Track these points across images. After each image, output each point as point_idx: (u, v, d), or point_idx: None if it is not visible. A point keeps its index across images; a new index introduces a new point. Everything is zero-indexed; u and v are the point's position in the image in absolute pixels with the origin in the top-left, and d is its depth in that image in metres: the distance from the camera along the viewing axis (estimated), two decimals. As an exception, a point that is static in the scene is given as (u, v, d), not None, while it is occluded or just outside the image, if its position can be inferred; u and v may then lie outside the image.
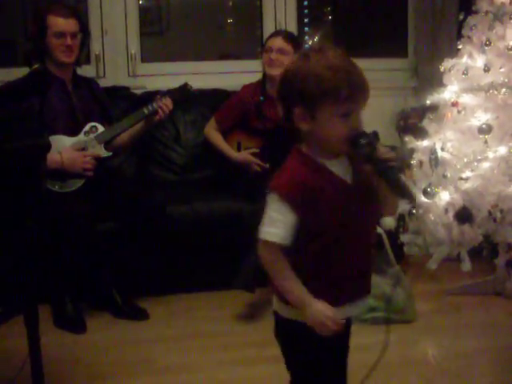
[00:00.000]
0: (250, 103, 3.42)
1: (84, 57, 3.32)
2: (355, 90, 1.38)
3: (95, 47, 3.86)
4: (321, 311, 1.40)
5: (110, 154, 3.10)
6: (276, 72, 3.26)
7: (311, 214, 1.41)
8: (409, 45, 4.36)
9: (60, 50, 3.00)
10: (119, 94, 3.68)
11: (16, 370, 2.21)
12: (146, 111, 3.09)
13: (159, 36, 4.45)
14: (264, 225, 1.44)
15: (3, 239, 2.76)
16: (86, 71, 3.48)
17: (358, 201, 1.44)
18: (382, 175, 1.41)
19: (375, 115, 4.00)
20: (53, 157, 2.89)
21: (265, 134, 3.38)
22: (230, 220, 3.19)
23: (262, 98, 3.39)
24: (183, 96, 3.19)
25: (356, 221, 1.44)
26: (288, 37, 3.35)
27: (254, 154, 3.38)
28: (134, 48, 3.94)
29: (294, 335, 1.53)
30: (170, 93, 3.15)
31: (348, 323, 1.56)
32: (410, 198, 1.46)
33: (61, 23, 2.98)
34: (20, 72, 3.10)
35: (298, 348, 1.54)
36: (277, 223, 1.42)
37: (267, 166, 3.32)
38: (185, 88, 3.20)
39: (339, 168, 1.46)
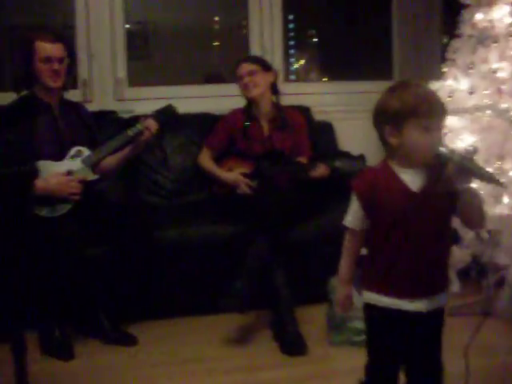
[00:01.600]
0: (237, 126, 3.47)
1: (71, 81, 3.32)
2: (432, 107, 1.67)
3: (82, 72, 3.88)
4: (342, 293, 1.92)
5: (97, 177, 3.09)
6: (254, 93, 3.43)
7: (374, 209, 1.74)
8: (394, 67, 4.41)
9: (47, 75, 3.00)
10: (106, 118, 3.69)
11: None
12: (130, 133, 3.08)
13: (146, 60, 4.46)
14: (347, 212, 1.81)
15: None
16: (74, 96, 3.48)
17: (418, 206, 1.71)
18: (467, 169, 1.60)
19: (363, 137, 4.04)
20: (39, 182, 2.88)
21: (254, 157, 3.41)
22: (218, 244, 3.18)
23: (247, 123, 3.46)
24: (167, 117, 3.19)
25: (415, 223, 1.71)
26: (251, 59, 3.56)
27: (244, 175, 3.40)
28: (121, 72, 3.96)
29: (368, 317, 1.85)
30: (154, 114, 3.15)
31: (434, 314, 1.80)
32: (497, 181, 1.69)
33: (48, 48, 2.99)
34: (7, 97, 3.10)
35: (370, 329, 1.86)
36: (350, 211, 1.80)
37: (255, 184, 3.34)
38: (168, 109, 3.20)
39: (410, 177, 1.73)
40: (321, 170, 3.24)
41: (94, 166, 3.08)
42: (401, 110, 1.66)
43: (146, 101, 3.90)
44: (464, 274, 3.35)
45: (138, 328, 3.07)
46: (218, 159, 3.53)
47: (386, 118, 1.70)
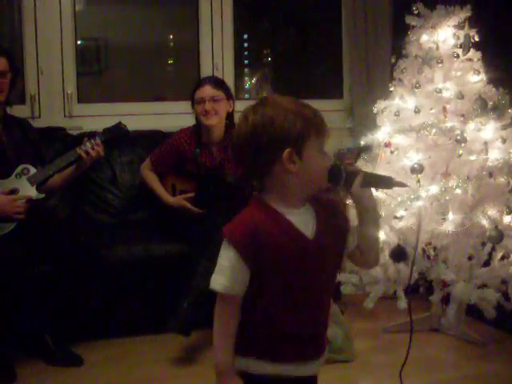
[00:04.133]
0: (186, 150, 3.40)
1: (16, 97, 3.26)
2: (324, 125, 1.45)
3: (30, 87, 3.81)
4: None
5: (43, 196, 3.03)
6: (213, 122, 3.31)
7: (261, 265, 1.40)
8: (344, 86, 4.47)
9: None
10: (55, 134, 3.63)
11: None
12: (77, 152, 3.04)
13: (97, 76, 4.42)
14: (214, 272, 1.43)
15: None
16: (21, 111, 3.43)
17: (315, 256, 1.44)
18: (369, 180, 1.46)
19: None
20: None
21: (199, 178, 3.38)
22: (166, 263, 3.16)
23: (197, 150, 3.38)
24: (117, 135, 3.15)
25: (310, 277, 1.44)
26: (217, 83, 3.37)
27: (188, 199, 3.36)
28: (71, 88, 3.91)
29: None
30: (103, 133, 3.11)
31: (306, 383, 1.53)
32: (401, 184, 1.53)
33: None
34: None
35: None
36: (224, 271, 1.41)
37: (201, 211, 3.29)
38: (118, 127, 3.16)
39: (300, 219, 1.45)
40: None
41: (39, 184, 3.03)
42: (305, 128, 1.39)
43: (96, 117, 3.86)
44: (412, 291, 3.38)
45: (83, 348, 3.01)
46: (161, 175, 3.48)
47: (286, 141, 1.38)
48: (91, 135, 3.11)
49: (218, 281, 1.42)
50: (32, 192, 2.99)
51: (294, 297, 1.43)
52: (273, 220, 1.42)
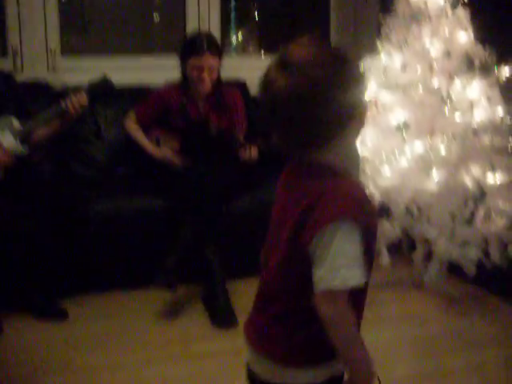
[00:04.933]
0: (172, 103, 3.38)
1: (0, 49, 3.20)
2: None
3: (12, 39, 3.73)
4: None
5: (26, 150, 3.00)
6: (208, 87, 3.29)
7: (372, 242, 1.22)
8: (331, 42, 4.42)
9: None
10: (38, 89, 3.58)
11: None
12: (62, 106, 3.00)
13: (82, 29, 4.34)
14: (335, 269, 1.14)
15: None
16: (3, 64, 3.36)
17: None
18: None
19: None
20: None
21: (184, 131, 3.37)
22: (151, 217, 3.17)
23: (184, 100, 3.36)
24: (102, 89, 3.11)
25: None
26: (215, 50, 3.28)
27: (173, 150, 3.35)
28: (54, 42, 3.83)
29: None
30: (87, 87, 3.06)
31: None
32: None
33: None
34: None
35: None
36: (356, 260, 1.15)
37: (187, 163, 3.30)
38: (103, 81, 3.11)
39: None
40: (249, 153, 3.23)
41: (24, 138, 2.99)
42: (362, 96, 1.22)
43: (80, 71, 3.79)
44: (394, 248, 3.43)
45: (69, 303, 3.03)
46: (144, 128, 3.45)
47: (352, 111, 1.19)
48: (76, 89, 3.07)
49: (358, 275, 1.15)
50: (15, 146, 2.96)
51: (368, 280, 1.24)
52: (366, 196, 1.23)
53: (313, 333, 1.21)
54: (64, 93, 3.37)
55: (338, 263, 1.13)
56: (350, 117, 1.17)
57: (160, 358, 2.61)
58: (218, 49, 3.34)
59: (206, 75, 3.25)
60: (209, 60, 3.24)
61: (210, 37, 3.35)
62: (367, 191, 1.30)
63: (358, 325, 1.25)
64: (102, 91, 3.12)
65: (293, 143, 1.21)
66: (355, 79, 1.18)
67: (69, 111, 2.99)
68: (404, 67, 3.15)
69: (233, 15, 4.64)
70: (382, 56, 3.30)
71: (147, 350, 2.67)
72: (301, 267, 1.19)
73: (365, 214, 1.16)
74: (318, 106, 1.13)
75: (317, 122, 1.15)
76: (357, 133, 1.23)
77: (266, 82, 1.19)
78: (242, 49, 4.63)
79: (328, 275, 1.14)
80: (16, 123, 2.99)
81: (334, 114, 1.14)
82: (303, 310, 1.20)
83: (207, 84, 3.28)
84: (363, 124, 1.21)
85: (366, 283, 1.20)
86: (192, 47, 3.27)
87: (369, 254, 1.19)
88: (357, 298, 1.20)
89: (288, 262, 1.22)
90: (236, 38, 4.72)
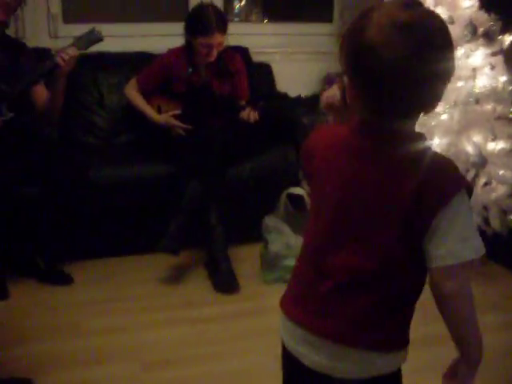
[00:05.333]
0: (176, 71, 3.36)
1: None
2: None
3: (14, 7, 3.71)
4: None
5: (11, 114, 2.94)
6: (212, 60, 3.29)
7: None
8: (334, 10, 4.40)
9: None
10: (40, 55, 3.55)
11: None
12: (54, 60, 2.90)
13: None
14: (467, 239, 1.12)
15: None
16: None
17: None
18: None
19: (300, 79, 4.07)
20: None
21: (186, 96, 3.37)
22: (154, 183, 3.18)
23: (190, 70, 3.35)
24: (91, 42, 2.99)
25: None
26: (222, 27, 3.24)
27: (175, 116, 3.35)
28: (55, 8, 3.82)
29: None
30: (75, 41, 3.00)
31: None
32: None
33: None
34: None
35: None
36: (476, 229, 1.14)
37: (189, 127, 3.31)
38: (92, 33, 2.98)
39: None
40: (248, 113, 3.23)
41: (10, 100, 2.95)
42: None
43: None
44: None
45: (73, 267, 3.07)
46: (145, 96, 3.44)
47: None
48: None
49: (481, 245, 1.14)
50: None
51: None
52: None
53: (400, 319, 1.22)
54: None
55: (466, 234, 1.11)
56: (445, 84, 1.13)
57: (163, 322, 2.65)
58: (226, 24, 3.30)
59: (214, 52, 3.25)
60: (218, 38, 3.22)
61: (218, 14, 3.29)
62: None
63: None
64: (92, 43, 3.05)
65: (394, 109, 1.12)
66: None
67: (59, 64, 2.95)
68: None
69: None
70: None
71: (150, 313, 2.71)
72: (409, 249, 1.15)
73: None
74: (438, 70, 1.08)
75: (433, 87, 1.11)
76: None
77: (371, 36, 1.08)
78: (245, 16, 4.60)
79: (457, 247, 1.11)
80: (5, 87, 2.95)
81: (445, 78, 1.12)
82: (398, 296, 1.20)
83: (212, 57, 3.28)
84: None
85: None
86: (201, 26, 3.22)
87: None
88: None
89: (394, 244, 1.15)
90: (239, 4, 4.68)
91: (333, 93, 1.38)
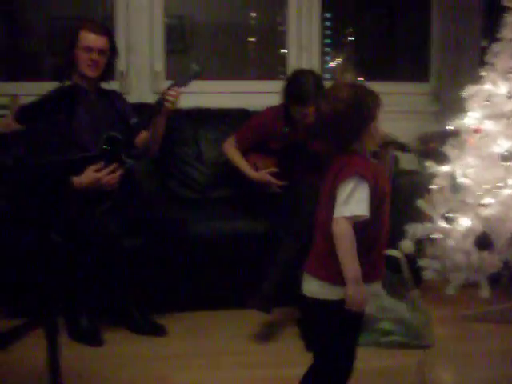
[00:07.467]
0: (273, 130, 3.39)
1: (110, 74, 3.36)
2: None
3: (120, 64, 3.90)
4: (364, 292, 1.78)
5: (132, 161, 3.11)
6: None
7: (373, 195, 1.79)
8: (431, 69, 4.38)
9: (86, 64, 3.06)
10: (143, 109, 3.71)
11: (35, 382, 2.23)
12: (159, 100, 3.09)
13: (183, 54, 4.49)
14: (347, 203, 1.77)
15: (28, 252, 2.79)
16: (111, 87, 3.50)
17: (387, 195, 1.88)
18: None
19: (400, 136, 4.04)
20: (75, 180, 2.94)
21: (281, 153, 3.39)
22: (250, 239, 3.21)
23: (285, 129, 3.36)
24: (191, 78, 3.14)
25: (385, 209, 1.87)
26: (318, 98, 3.23)
27: (271, 174, 3.38)
28: (159, 65, 3.99)
29: (331, 314, 1.84)
30: (176, 80, 3.13)
31: None
32: None
33: (91, 39, 3.05)
34: (44, 86, 3.13)
35: (333, 325, 1.86)
36: (365, 200, 1.78)
37: (285, 183, 3.33)
38: (190, 69, 3.14)
39: None
40: None
41: (128, 148, 3.09)
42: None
43: (182, 94, 3.90)
44: (495, 280, 3.32)
45: (167, 319, 3.10)
46: (242, 153, 3.48)
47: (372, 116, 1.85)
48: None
49: (362, 207, 1.77)
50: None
51: (381, 223, 1.85)
52: (374, 167, 1.85)
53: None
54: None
55: (349, 201, 1.77)
56: (361, 128, 1.83)
57: (252, 380, 2.61)
58: (323, 91, 3.30)
59: (311, 117, 3.20)
60: (313, 106, 3.15)
61: (316, 83, 3.24)
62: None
63: (376, 257, 1.86)
64: (190, 77, 3.14)
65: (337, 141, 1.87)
66: (366, 108, 1.82)
67: (164, 104, 3.07)
68: (510, 95, 3.08)
69: (328, 41, 4.67)
70: (487, 83, 3.23)
71: (239, 370, 2.68)
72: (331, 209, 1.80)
73: (370, 175, 1.79)
74: (345, 120, 1.82)
75: (346, 128, 1.83)
76: (372, 137, 1.86)
77: (318, 107, 1.89)
78: (341, 74, 4.63)
79: (342, 208, 1.78)
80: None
81: (352, 125, 1.82)
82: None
83: (310, 120, 3.22)
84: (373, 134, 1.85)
85: (374, 224, 1.81)
86: (298, 97, 3.23)
87: (373, 203, 1.79)
88: (370, 231, 1.81)
89: (327, 209, 1.82)
90: (332, 61, 4.74)
91: None
